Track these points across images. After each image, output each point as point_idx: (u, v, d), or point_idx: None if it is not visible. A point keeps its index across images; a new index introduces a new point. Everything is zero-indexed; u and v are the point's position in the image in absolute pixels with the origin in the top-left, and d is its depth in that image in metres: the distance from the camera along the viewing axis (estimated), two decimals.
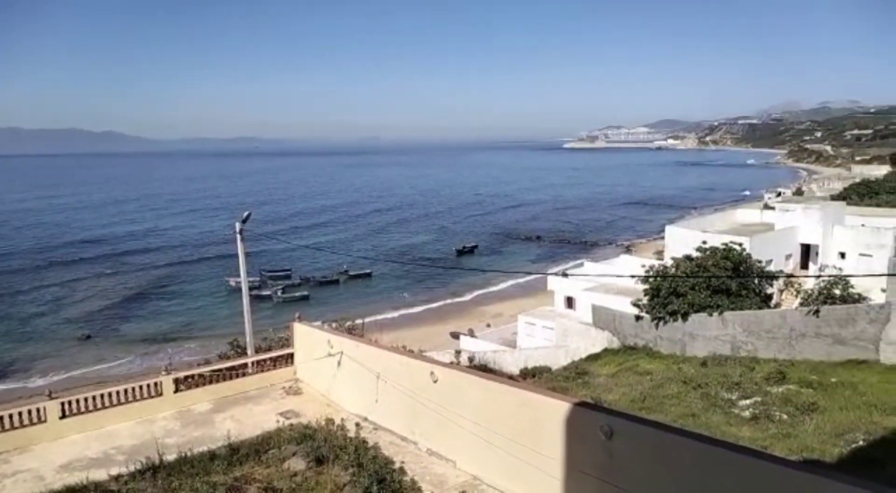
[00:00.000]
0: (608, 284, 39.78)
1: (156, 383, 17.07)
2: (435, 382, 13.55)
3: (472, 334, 45.37)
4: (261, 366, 19.06)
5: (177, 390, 17.34)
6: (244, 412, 16.96)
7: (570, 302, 42.58)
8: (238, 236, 21.42)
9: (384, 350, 16.06)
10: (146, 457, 13.08)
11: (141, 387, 16.90)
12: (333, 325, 25.47)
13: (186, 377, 17.78)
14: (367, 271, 76.23)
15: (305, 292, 67.99)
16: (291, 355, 19.38)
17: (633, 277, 33.02)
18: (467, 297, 67.25)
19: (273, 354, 19.68)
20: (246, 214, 21.63)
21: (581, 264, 50.27)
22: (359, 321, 29.09)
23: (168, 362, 32.45)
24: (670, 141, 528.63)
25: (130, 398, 16.65)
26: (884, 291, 26.61)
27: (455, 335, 47.66)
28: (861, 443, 15.87)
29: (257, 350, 22.19)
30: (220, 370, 18.38)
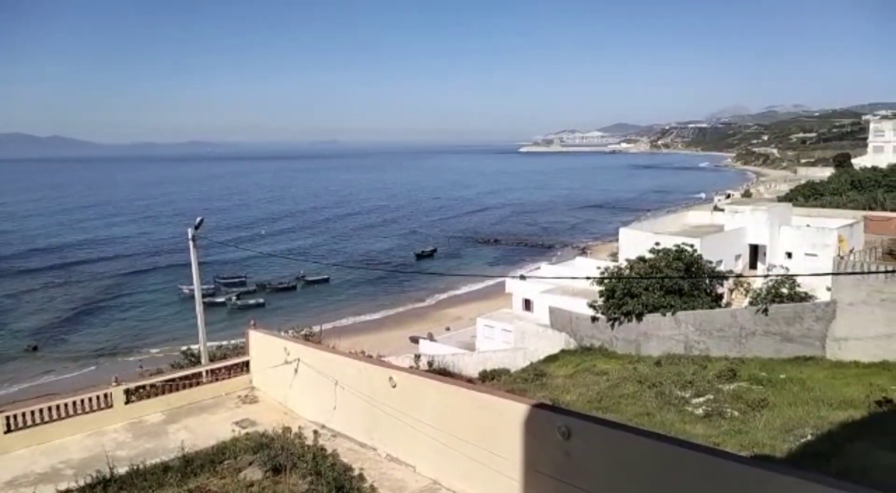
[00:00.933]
0: (565, 286, 40.19)
1: (106, 395, 16.59)
2: (394, 387, 13.48)
3: (431, 337, 45.32)
4: (215, 375, 18.68)
5: (128, 402, 16.88)
6: (198, 422, 16.60)
7: (527, 304, 42.88)
8: (191, 243, 20.98)
9: (342, 356, 15.92)
10: (96, 471, 12.69)
11: (90, 399, 16.40)
12: (290, 332, 25.18)
13: (138, 388, 17.32)
14: (325, 276, 75.53)
15: (261, 299, 67.00)
16: (247, 363, 19.06)
17: (588, 278, 33.44)
18: (427, 301, 67.20)
19: (228, 362, 19.31)
20: (199, 219, 21.21)
21: (538, 267, 50.70)
22: (316, 328, 28.79)
23: (119, 373, 31.54)
24: (623, 145, 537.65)
25: (79, 411, 16.14)
26: (829, 289, 27.49)
27: (414, 340, 47.53)
28: (809, 438, 16.35)
29: (212, 359, 21.76)
30: (173, 380, 17.96)
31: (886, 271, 24.70)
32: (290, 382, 16.94)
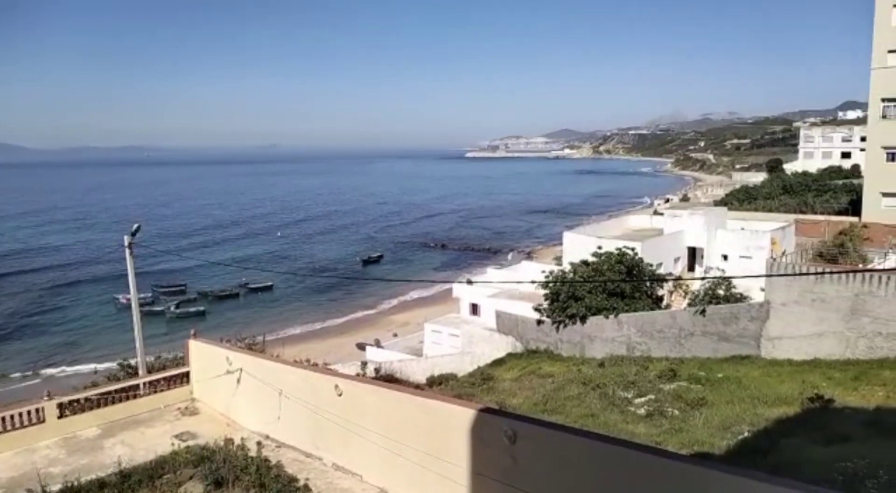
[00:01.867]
0: (511, 290, 40.56)
1: (37, 410, 15.89)
2: (339, 395, 13.33)
3: (378, 344, 45.07)
4: (154, 387, 18.12)
5: (61, 416, 16.20)
6: (136, 435, 16.06)
7: (475, 309, 43.12)
8: (127, 251, 20.33)
9: (286, 365, 15.66)
10: (27, 490, 12.15)
11: (20, 414, 15.68)
12: (232, 341, 24.65)
13: (72, 402, 16.64)
14: (269, 283, 74.22)
15: (202, 308, 65.37)
16: (187, 374, 18.56)
17: (533, 282, 33.85)
18: (374, 307, 66.79)
19: (167, 373, 18.76)
20: (135, 226, 20.56)
21: (485, 272, 51.03)
22: (259, 336, 28.25)
23: (52, 387, 30.28)
24: (567, 150, 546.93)
25: (9, 427, 15.41)
26: (762, 290, 28.53)
27: (361, 346, 47.17)
28: (746, 435, 16.90)
29: (150, 370, 21.11)
30: (109, 393, 17.33)
31: (817, 273, 25.79)
32: (232, 392, 16.57)
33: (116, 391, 17.51)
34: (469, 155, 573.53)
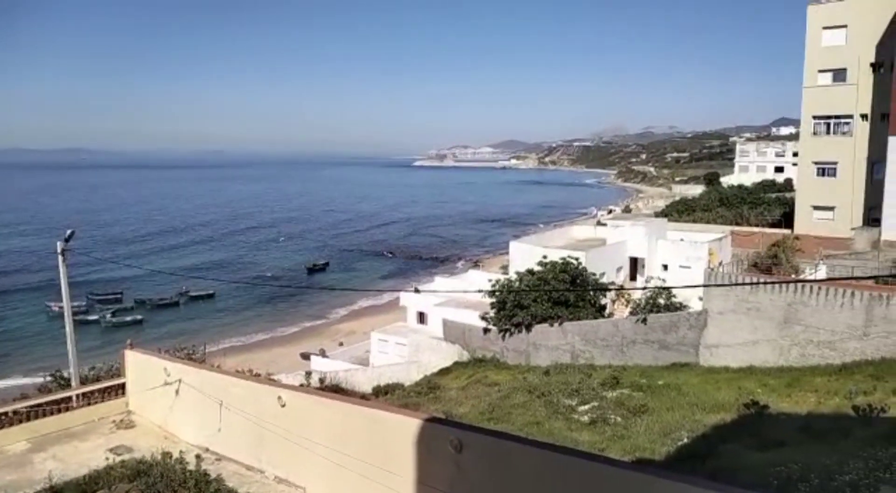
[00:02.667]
0: (458, 298, 40.63)
1: None
2: (282, 406, 13.05)
3: (323, 353, 44.49)
4: (87, 398, 17.38)
5: None
6: (68, 450, 15.37)
7: (422, 317, 43.02)
8: (60, 257, 19.53)
9: (227, 376, 15.26)
10: None
11: None
12: (171, 351, 23.93)
13: None
14: (210, 291, 72.51)
15: (139, 316, 63.36)
16: (123, 386, 17.88)
17: (480, 291, 34.02)
18: (319, 316, 65.99)
19: (101, 385, 18.03)
20: (69, 232, 19.77)
21: (433, 280, 51.02)
22: (200, 346, 27.52)
23: None
24: (513, 161, 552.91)
25: None
26: (701, 299, 29.31)
27: (306, 356, 46.51)
28: (686, 440, 17.28)
29: (83, 381, 20.27)
30: (39, 406, 16.54)
31: (752, 283, 26.65)
32: (170, 404, 16.04)
33: (47, 404, 16.73)
34: (417, 163, 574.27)
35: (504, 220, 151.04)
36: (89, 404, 17.31)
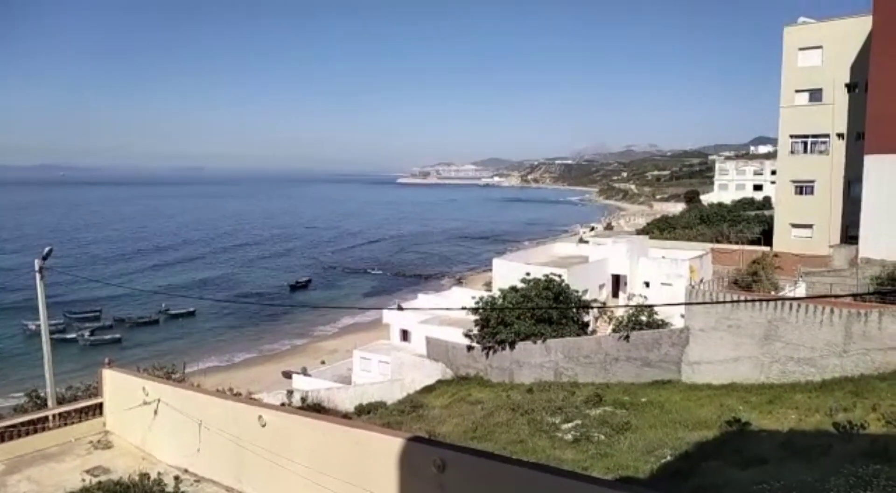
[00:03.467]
0: (442, 315, 40.55)
1: None
2: (263, 426, 12.87)
3: (305, 372, 44.09)
4: (64, 419, 17.03)
5: None
6: (44, 471, 15.02)
7: (405, 335, 42.84)
8: (37, 274, 19.25)
9: (207, 395, 15.04)
10: None
11: None
12: (150, 370, 23.62)
13: None
14: (191, 309, 71.72)
15: (118, 335, 62.48)
16: (100, 405, 17.55)
17: (464, 309, 33.98)
18: (301, 334, 65.47)
19: (78, 404, 17.69)
20: (47, 249, 19.52)
21: (416, 297, 50.91)
22: (179, 365, 27.18)
23: None
24: (496, 179, 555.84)
25: None
26: (682, 316, 29.50)
27: (287, 375, 46.05)
28: (669, 458, 17.29)
29: (60, 401, 19.89)
30: (14, 426, 16.17)
31: (733, 301, 26.87)
32: (148, 424, 15.77)
33: (23, 424, 16.36)
34: (401, 181, 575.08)
35: (487, 237, 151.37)
36: (66, 424, 16.96)
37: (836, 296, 25.92)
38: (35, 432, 16.40)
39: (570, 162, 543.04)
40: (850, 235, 42.38)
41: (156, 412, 15.54)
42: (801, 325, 24.82)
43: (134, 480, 13.18)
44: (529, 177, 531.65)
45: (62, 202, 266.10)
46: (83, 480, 13.85)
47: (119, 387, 17.12)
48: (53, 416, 17.04)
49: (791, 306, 25.20)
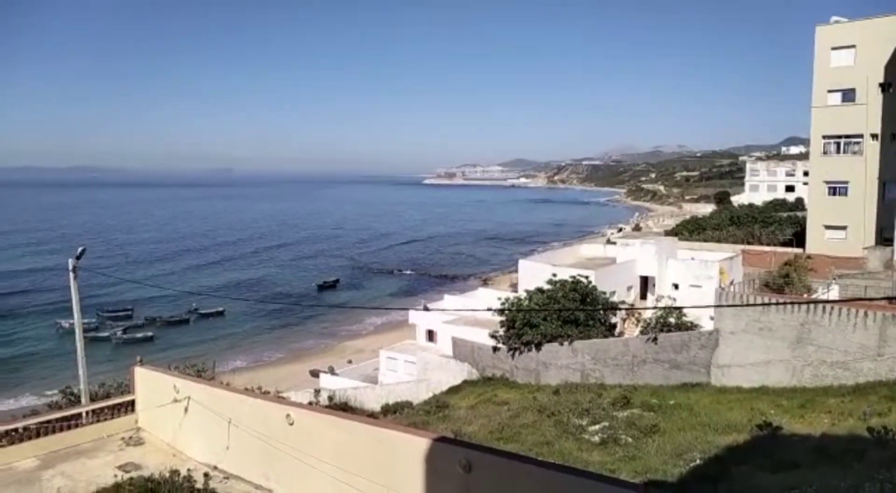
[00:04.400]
0: (468, 316, 40.55)
1: None
2: (291, 424, 13.01)
3: (332, 371, 44.36)
4: (97, 415, 17.38)
5: None
6: (77, 467, 15.34)
7: (431, 335, 42.92)
8: (71, 274, 19.65)
9: (236, 393, 15.24)
10: None
11: None
12: (181, 368, 23.96)
13: (8, 431, 15.82)
14: (220, 309, 72.65)
15: (150, 333, 63.50)
16: (132, 403, 17.88)
17: (490, 310, 33.93)
18: (328, 333, 65.93)
19: (111, 401, 18.04)
20: (80, 249, 19.92)
21: (442, 298, 51.01)
22: (209, 363, 27.55)
23: None
24: (522, 180, 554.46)
25: None
26: (712, 318, 29.10)
27: (314, 374, 46.39)
28: (698, 462, 17.07)
29: (93, 398, 20.30)
30: (49, 422, 16.54)
31: (764, 304, 26.46)
32: (179, 422, 16.02)
33: (57, 420, 16.74)
34: (427, 182, 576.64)
35: (513, 238, 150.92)
36: (99, 420, 17.30)
37: (871, 299, 25.39)
38: (69, 428, 16.76)
39: (597, 163, 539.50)
40: (884, 237, 41.48)
41: (186, 410, 15.78)
42: (835, 328, 24.34)
43: (165, 476, 13.40)
44: (556, 178, 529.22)
45: (94, 204, 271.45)
46: (115, 476, 14.12)
47: (151, 385, 17.42)
48: (87, 413, 17.40)
49: (824, 308, 24.72)
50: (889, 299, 25.72)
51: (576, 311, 32.66)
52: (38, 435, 16.18)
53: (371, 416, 26.09)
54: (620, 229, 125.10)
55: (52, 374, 48.68)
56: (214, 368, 28.96)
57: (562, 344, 32.12)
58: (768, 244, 53.89)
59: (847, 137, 44.59)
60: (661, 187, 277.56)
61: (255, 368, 52.04)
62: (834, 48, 44.13)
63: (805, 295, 31.35)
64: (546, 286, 35.29)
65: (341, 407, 29.30)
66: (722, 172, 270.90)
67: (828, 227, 45.41)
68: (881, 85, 42.43)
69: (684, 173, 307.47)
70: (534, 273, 42.29)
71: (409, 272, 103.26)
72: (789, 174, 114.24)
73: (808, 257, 43.62)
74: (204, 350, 55.14)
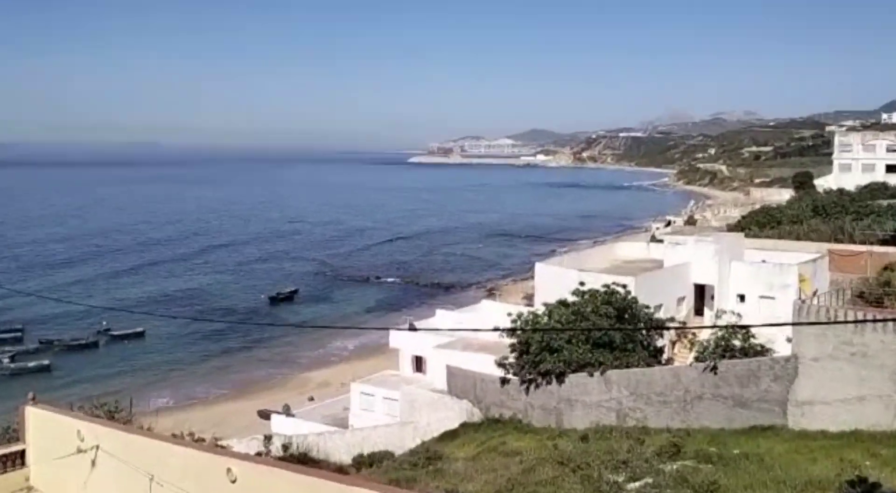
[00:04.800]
0: (467, 338, 40.55)
1: None
2: (233, 482, 13.02)
3: (287, 411, 44.43)
4: None
5: None
6: None
7: (418, 364, 42.95)
8: None
9: (161, 441, 15.24)
10: None
11: None
12: (87, 407, 23.95)
13: None
14: (140, 329, 72.63)
15: (45, 362, 63.48)
16: (22, 454, 17.85)
17: (496, 330, 33.93)
18: (283, 360, 66.06)
19: None
20: None
21: (433, 314, 51.05)
22: (125, 401, 27.54)
23: None
24: (540, 157, 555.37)
25: None
26: (789, 340, 29.11)
27: (264, 415, 46.47)
28: None
29: None
30: None
31: (857, 320, 26.47)
32: (84, 478, 16.02)
33: None
34: (414, 160, 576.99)
35: (528, 234, 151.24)
36: None
37: None
38: None
39: (639, 135, 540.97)
40: None
41: (94, 463, 15.77)
42: None
43: None
44: (584, 154, 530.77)
45: None
46: None
47: (47, 430, 17.39)
48: None
49: None
50: None
51: (610, 331, 32.69)
52: None
53: (339, 470, 26.09)
54: (669, 223, 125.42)
55: None
56: (132, 407, 28.93)
57: (591, 375, 32.14)
58: (863, 242, 54.01)
59: None
60: (723, 167, 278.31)
61: (187, 407, 52.02)
62: None
63: None
64: (571, 298, 35.31)
65: (300, 459, 29.29)
66: (803, 146, 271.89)
67: None
68: None
69: (753, 149, 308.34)
70: (555, 281, 42.31)
71: (391, 280, 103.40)
72: (892, 150, 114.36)
73: None
74: (118, 384, 55.14)
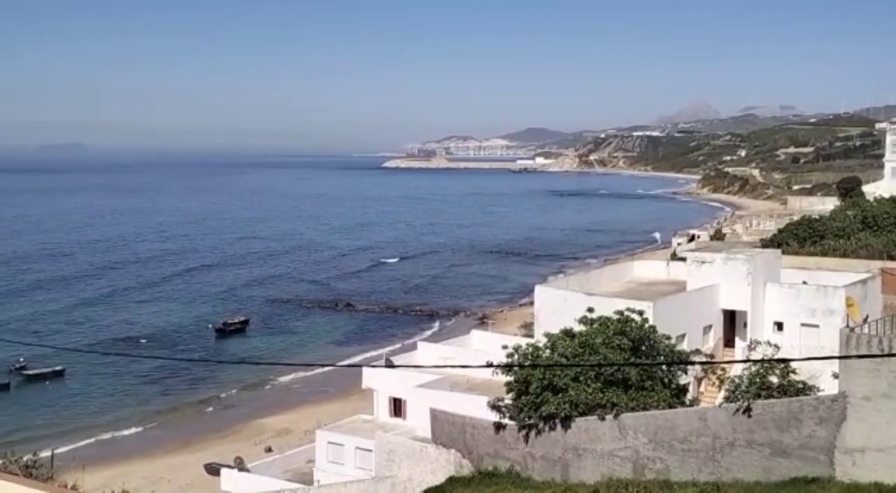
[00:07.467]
0: (455, 376, 40.53)
1: None
2: None
3: (241, 465, 44.21)
4: None
5: None
6: None
7: (397, 407, 42.80)
8: None
9: None
10: None
11: None
12: None
13: None
14: (59, 367, 72.07)
15: None
16: None
17: (489, 365, 33.87)
18: (234, 403, 65.74)
19: None
20: None
21: (415, 347, 51.01)
22: (45, 453, 27.36)
23: None
24: (540, 160, 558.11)
25: None
26: (836, 376, 29.18)
27: (213, 470, 46.19)
28: None
29: None
30: None
31: None
32: None
33: None
34: (389, 164, 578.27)
35: (526, 252, 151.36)
36: None
37: None
38: None
39: (656, 134, 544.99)
40: None
41: None
42: None
43: None
44: (592, 157, 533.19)
45: None
46: None
47: None
48: None
49: None
50: None
51: (625, 366, 32.71)
52: None
53: None
54: (693, 238, 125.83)
55: None
56: (53, 460, 28.64)
57: (603, 418, 32.12)
58: None
59: None
60: (756, 172, 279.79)
61: (118, 461, 51.62)
62: None
63: None
64: (578, 327, 35.34)
65: None
66: (849, 147, 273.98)
67: None
68: None
69: (791, 150, 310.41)
70: (558, 307, 42.34)
71: (363, 307, 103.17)
72: None
73: None
74: (33, 433, 54.67)
